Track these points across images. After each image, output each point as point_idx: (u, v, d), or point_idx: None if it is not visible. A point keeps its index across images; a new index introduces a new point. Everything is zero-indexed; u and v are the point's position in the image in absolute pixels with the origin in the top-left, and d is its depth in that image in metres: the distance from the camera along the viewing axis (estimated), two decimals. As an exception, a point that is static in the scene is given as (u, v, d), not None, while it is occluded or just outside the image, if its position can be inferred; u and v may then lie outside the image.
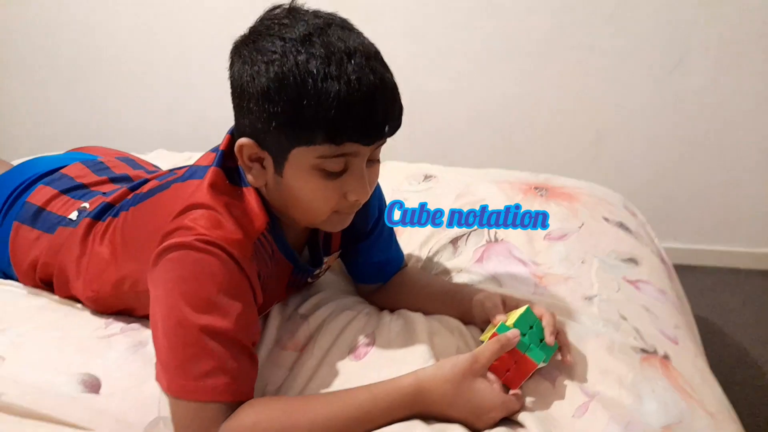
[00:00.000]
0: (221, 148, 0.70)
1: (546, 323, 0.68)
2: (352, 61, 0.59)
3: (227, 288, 0.61)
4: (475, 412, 0.61)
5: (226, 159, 0.69)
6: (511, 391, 0.64)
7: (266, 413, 0.60)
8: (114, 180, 0.96)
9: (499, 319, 0.70)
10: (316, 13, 0.63)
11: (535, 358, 0.65)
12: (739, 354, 1.50)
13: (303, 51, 0.58)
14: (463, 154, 1.90)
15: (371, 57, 0.61)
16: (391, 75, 0.63)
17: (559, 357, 0.69)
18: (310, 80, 0.58)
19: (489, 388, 0.62)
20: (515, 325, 0.66)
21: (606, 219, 1.09)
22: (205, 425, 0.58)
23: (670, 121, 1.78)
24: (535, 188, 1.18)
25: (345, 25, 0.63)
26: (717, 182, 1.83)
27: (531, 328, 0.67)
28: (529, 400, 0.65)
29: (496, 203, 1.12)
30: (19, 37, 2.02)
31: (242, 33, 0.65)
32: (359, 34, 0.63)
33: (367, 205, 0.79)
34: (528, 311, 0.68)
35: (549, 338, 0.67)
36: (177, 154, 1.41)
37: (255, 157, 0.65)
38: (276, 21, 0.62)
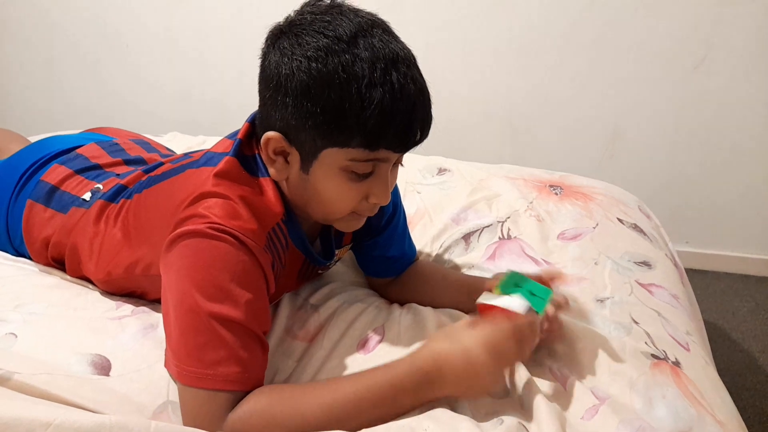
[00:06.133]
0: (239, 136, 0.69)
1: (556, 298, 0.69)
2: (396, 69, 0.59)
3: (239, 277, 0.61)
4: (479, 384, 0.61)
5: (243, 148, 0.68)
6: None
7: (275, 400, 0.60)
8: (128, 162, 0.96)
9: (488, 285, 0.71)
10: (358, 12, 0.62)
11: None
12: (748, 360, 1.49)
13: (348, 52, 0.58)
14: (475, 149, 1.88)
15: (412, 65, 0.61)
16: (426, 84, 0.63)
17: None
18: (355, 84, 0.57)
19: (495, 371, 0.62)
20: (500, 288, 0.67)
21: (621, 220, 1.08)
22: (213, 413, 0.59)
23: (689, 122, 1.75)
24: (550, 186, 1.17)
25: (386, 28, 0.62)
26: (733, 186, 1.81)
27: (518, 286, 0.67)
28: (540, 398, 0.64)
29: (510, 199, 1.11)
30: (37, 15, 2.02)
31: (278, 24, 0.64)
32: (398, 39, 0.63)
33: None
34: (511, 275, 0.69)
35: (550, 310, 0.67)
36: (191, 137, 1.40)
37: (280, 151, 0.65)
38: (318, 16, 0.61)
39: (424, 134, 0.64)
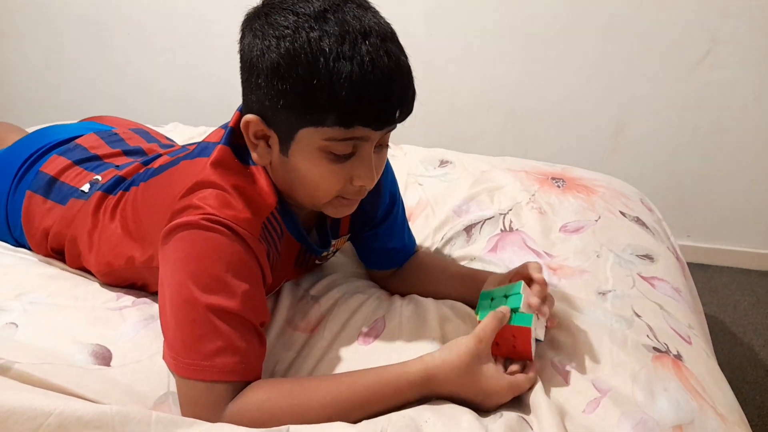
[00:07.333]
0: (230, 125, 0.68)
1: (534, 290, 0.69)
2: (367, 42, 0.57)
3: (235, 267, 0.61)
4: (483, 394, 0.62)
5: (235, 136, 0.68)
6: (529, 369, 0.66)
7: (273, 393, 0.60)
8: (128, 153, 0.95)
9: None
10: None
11: (524, 323, 0.65)
12: (749, 354, 1.50)
13: (316, 27, 0.57)
14: (477, 141, 1.88)
15: (387, 38, 0.59)
16: (407, 58, 0.61)
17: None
18: (322, 59, 0.56)
19: (495, 372, 0.63)
20: (479, 315, 0.68)
21: (623, 213, 1.07)
22: (212, 405, 0.59)
23: (693, 116, 1.74)
24: (552, 179, 1.17)
25: (361, 3, 0.61)
26: (735, 181, 1.80)
27: (506, 297, 0.68)
28: (541, 394, 0.64)
29: (512, 191, 1.11)
30: (38, 7, 2.00)
31: (255, 5, 0.63)
32: (376, 13, 0.61)
33: (378, 191, 0.78)
34: (482, 296, 0.71)
35: (532, 300, 0.67)
36: (192, 128, 1.40)
37: (261, 135, 0.64)
38: None
39: (405, 110, 0.62)
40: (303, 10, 0.58)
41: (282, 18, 0.58)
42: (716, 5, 1.60)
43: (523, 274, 0.72)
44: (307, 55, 0.56)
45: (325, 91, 0.56)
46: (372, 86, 0.57)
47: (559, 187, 1.14)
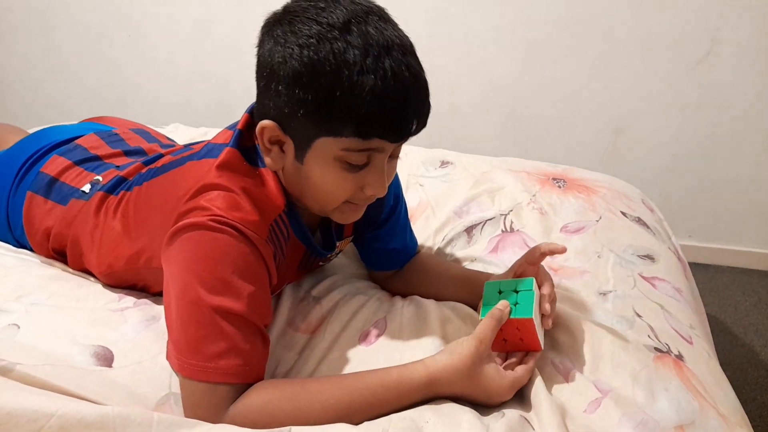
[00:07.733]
0: (239, 127, 0.69)
1: (546, 292, 0.70)
2: (390, 56, 0.57)
3: (241, 269, 0.61)
4: (485, 394, 0.62)
5: (243, 138, 0.68)
6: (529, 361, 0.66)
7: (276, 395, 0.60)
8: (128, 153, 0.95)
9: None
10: None
11: (524, 314, 0.65)
12: (750, 355, 1.49)
13: (340, 39, 0.57)
14: (478, 141, 1.88)
15: (407, 52, 0.60)
16: (423, 71, 0.62)
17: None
18: (346, 71, 0.56)
19: (497, 373, 0.63)
20: (484, 307, 0.68)
21: (624, 213, 1.07)
22: (214, 406, 0.59)
23: (693, 117, 1.74)
24: (553, 179, 1.17)
25: (383, 15, 0.61)
26: (736, 180, 1.80)
27: (516, 292, 0.69)
28: (542, 392, 0.64)
29: (513, 192, 1.11)
30: (37, 2, 2.00)
31: (274, 11, 0.63)
32: (395, 26, 0.62)
33: None
34: (488, 287, 0.72)
35: (545, 306, 0.69)
36: (193, 129, 1.40)
37: (275, 140, 0.64)
38: (312, 3, 0.60)
39: (420, 123, 0.63)
40: (326, 20, 0.58)
41: (306, 27, 0.58)
42: (716, 5, 1.60)
43: (530, 261, 0.73)
44: (330, 66, 0.57)
45: (345, 102, 0.57)
46: (392, 100, 0.58)
47: (560, 187, 1.14)
